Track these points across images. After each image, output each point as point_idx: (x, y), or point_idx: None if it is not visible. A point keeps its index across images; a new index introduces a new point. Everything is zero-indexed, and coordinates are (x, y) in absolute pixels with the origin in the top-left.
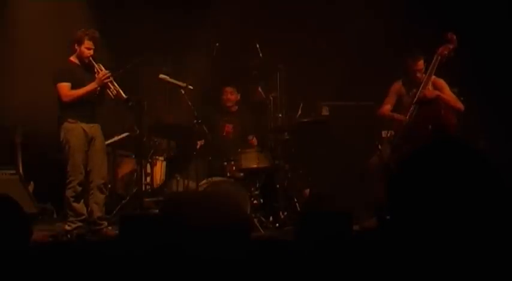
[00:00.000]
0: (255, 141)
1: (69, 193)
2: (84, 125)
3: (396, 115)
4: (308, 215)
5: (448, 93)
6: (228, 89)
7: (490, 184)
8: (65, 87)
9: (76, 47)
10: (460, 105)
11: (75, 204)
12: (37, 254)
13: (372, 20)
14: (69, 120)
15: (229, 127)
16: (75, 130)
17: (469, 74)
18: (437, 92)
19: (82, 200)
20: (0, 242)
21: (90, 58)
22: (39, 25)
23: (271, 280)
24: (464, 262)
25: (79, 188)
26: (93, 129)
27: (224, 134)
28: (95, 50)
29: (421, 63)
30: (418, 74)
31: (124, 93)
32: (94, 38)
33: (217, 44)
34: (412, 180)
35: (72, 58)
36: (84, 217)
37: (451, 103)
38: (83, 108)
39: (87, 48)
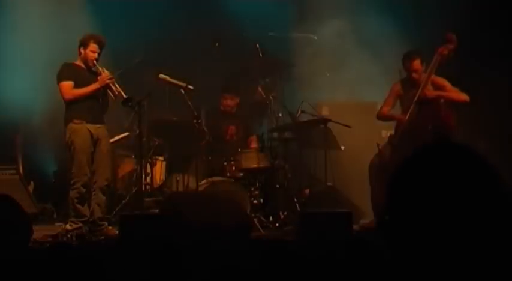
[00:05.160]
0: (255, 143)
1: (73, 193)
2: (90, 126)
3: (396, 115)
4: (308, 215)
5: (449, 89)
6: (227, 95)
7: (489, 187)
8: (67, 85)
9: (81, 50)
10: (464, 97)
11: (78, 205)
12: (37, 254)
13: (372, 20)
14: (75, 121)
15: (232, 129)
16: (80, 131)
17: (469, 74)
18: (437, 92)
19: (86, 203)
20: (0, 241)
21: (94, 61)
22: (40, 25)
23: (271, 280)
24: (463, 264)
25: (83, 190)
26: (99, 130)
27: (228, 137)
28: (99, 54)
29: (416, 64)
30: (414, 75)
31: (125, 93)
32: (99, 42)
33: (217, 44)
34: (412, 181)
35: (78, 62)
36: (85, 218)
37: (454, 99)
38: (89, 109)
39: (91, 51)
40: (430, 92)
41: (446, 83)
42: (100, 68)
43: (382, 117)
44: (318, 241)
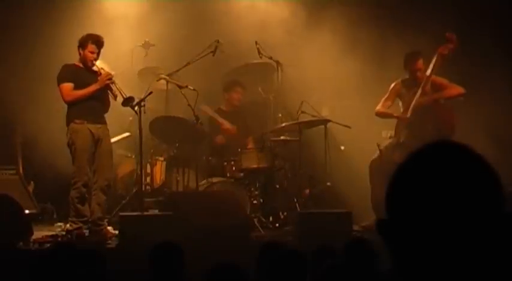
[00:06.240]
0: (252, 144)
1: (73, 193)
2: (91, 126)
3: (396, 114)
4: (308, 215)
5: (447, 86)
6: (238, 88)
7: (488, 187)
8: (67, 87)
9: (80, 51)
10: (458, 90)
11: (79, 205)
12: (37, 254)
13: (372, 19)
14: (76, 121)
15: (233, 128)
16: (81, 131)
17: (469, 73)
18: (433, 96)
19: (86, 203)
20: (0, 241)
21: (94, 62)
22: (40, 26)
23: (271, 280)
24: (462, 265)
25: (84, 189)
26: (100, 130)
27: (229, 135)
28: (98, 54)
29: (420, 63)
30: (418, 74)
31: (125, 93)
32: (98, 42)
33: (218, 41)
34: (411, 181)
35: (77, 62)
36: (86, 218)
37: (451, 96)
38: (90, 109)
39: (90, 52)
40: (426, 99)
41: (444, 81)
42: (99, 68)
43: (379, 114)
44: (317, 241)
